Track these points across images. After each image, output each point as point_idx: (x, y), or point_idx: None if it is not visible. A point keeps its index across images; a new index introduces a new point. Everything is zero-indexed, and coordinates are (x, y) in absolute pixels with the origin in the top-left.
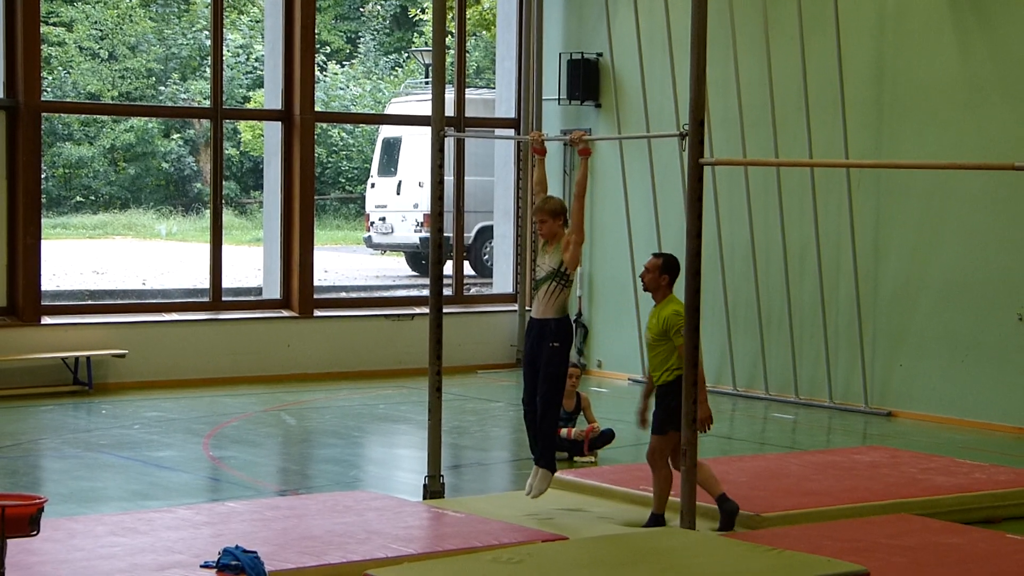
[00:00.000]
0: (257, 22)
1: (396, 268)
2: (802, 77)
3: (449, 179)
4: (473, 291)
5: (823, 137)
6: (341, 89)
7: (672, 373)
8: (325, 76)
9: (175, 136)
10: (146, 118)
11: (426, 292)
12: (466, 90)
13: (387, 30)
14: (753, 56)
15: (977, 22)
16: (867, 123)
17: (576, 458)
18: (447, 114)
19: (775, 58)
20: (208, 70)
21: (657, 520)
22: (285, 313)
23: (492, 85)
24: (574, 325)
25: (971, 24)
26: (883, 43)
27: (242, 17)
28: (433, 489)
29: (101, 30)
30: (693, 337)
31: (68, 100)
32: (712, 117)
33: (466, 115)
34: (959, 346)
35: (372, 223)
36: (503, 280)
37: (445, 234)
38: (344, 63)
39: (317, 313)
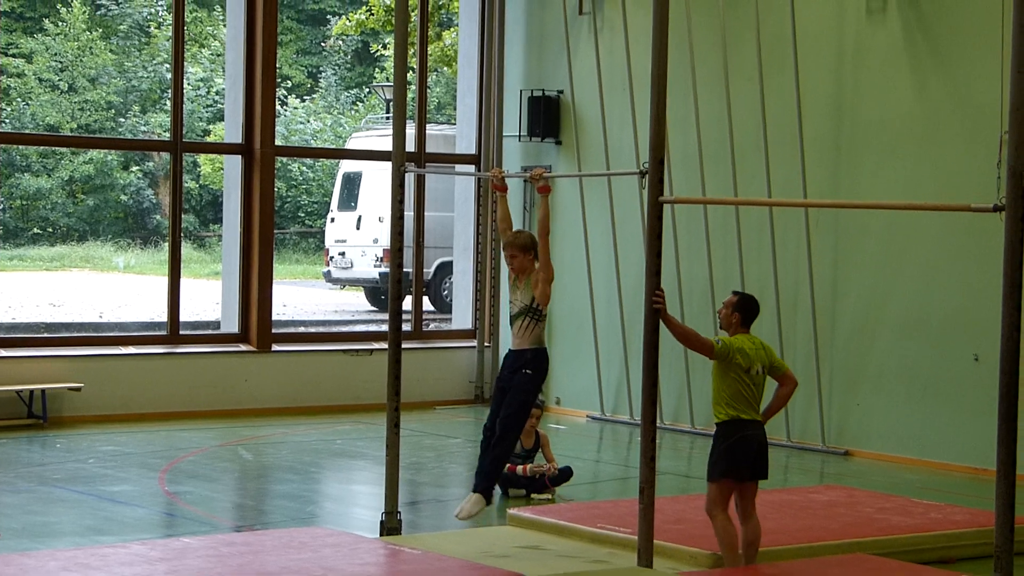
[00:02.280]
0: (218, 55)
1: (355, 303)
2: (761, 115)
3: (409, 214)
4: (432, 327)
5: (782, 175)
6: (302, 123)
7: (723, 414)
8: (286, 110)
9: (134, 168)
10: (105, 150)
11: (385, 327)
12: (427, 126)
13: (348, 65)
14: (713, 94)
15: (934, 62)
16: (825, 161)
17: (534, 495)
18: (408, 149)
19: (734, 96)
20: (168, 103)
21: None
22: (243, 347)
23: (453, 121)
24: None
25: (928, 64)
26: (841, 82)
27: (203, 50)
28: (390, 526)
29: (61, 62)
30: (652, 374)
31: (27, 132)
32: (672, 155)
33: (427, 151)
34: (916, 386)
35: (331, 258)
36: (462, 316)
37: (404, 269)
38: (305, 97)
39: (275, 347)
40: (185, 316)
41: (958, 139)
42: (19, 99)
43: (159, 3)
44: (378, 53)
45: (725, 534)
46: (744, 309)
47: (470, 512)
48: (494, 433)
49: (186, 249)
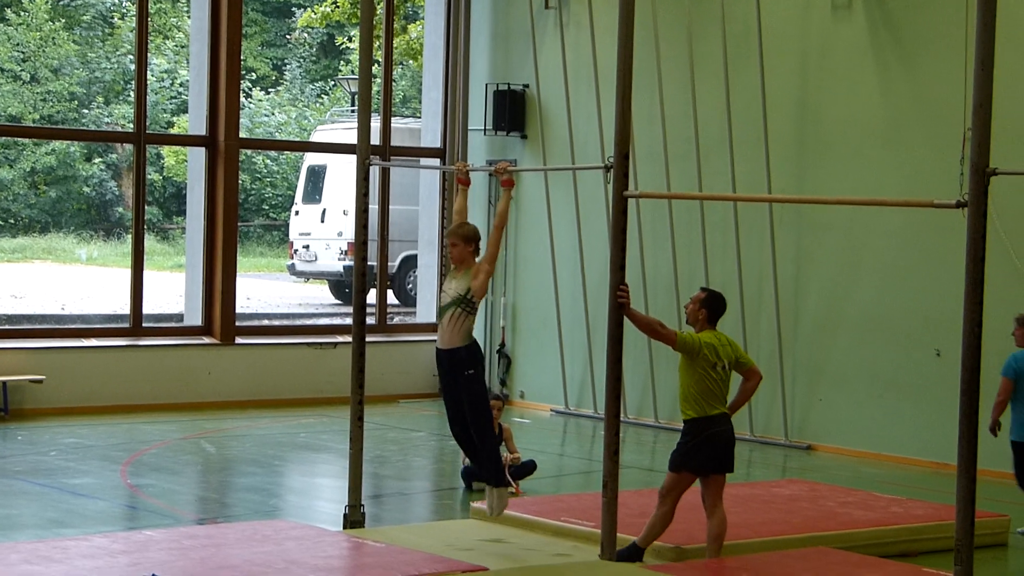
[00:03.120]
0: (182, 47)
1: (319, 296)
2: (726, 112)
3: (374, 208)
4: (396, 320)
5: (746, 171)
6: (266, 116)
7: (691, 410)
8: (250, 102)
9: (97, 160)
10: (68, 142)
11: (349, 320)
12: (392, 119)
13: (313, 58)
14: (678, 90)
15: (898, 61)
16: (789, 158)
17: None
18: (373, 143)
19: (700, 93)
20: (132, 94)
21: (633, 551)
22: (206, 340)
23: (418, 114)
24: (494, 353)
25: (892, 63)
26: (806, 80)
27: (167, 42)
28: (353, 519)
29: (23, 52)
30: (616, 368)
31: None
32: (637, 150)
33: (392, 144)
34: (878, 381)
35: (296, 251)
36: (427, 309)
37: (369, 263)
38: (270, 90)
39: (239, 340)
40: (148, 308)
41: (922, 136)
42: None
43: None
44: (343, 46)
45: (661, 521)
46: (711, 306)
47: (502, 507)
48: (466, 436)
49: (149, 241)
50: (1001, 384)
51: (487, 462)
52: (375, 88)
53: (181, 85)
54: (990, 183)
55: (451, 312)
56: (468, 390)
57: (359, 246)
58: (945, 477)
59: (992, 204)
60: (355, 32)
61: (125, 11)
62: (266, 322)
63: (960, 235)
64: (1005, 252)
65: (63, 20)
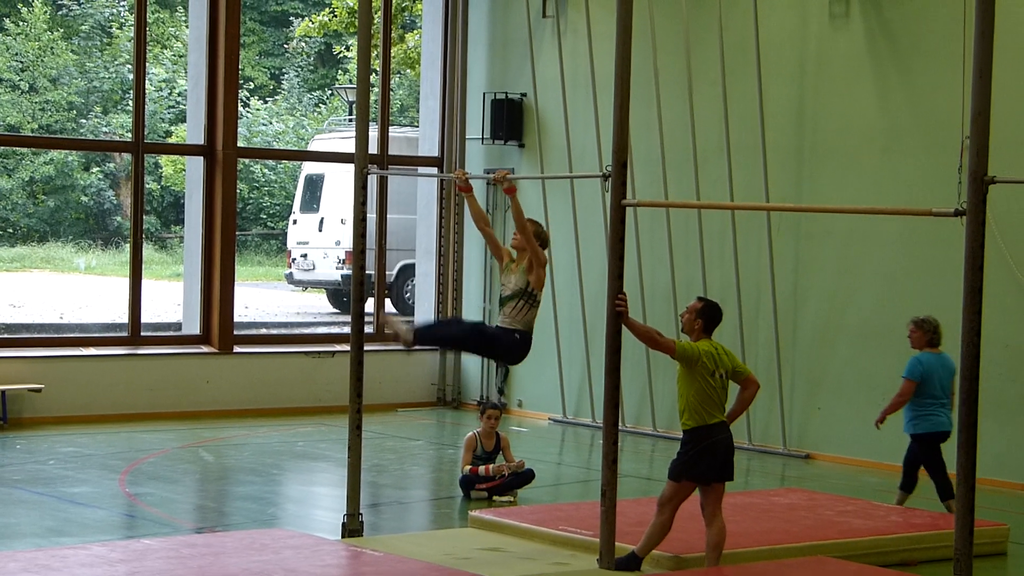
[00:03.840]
0: (180, 56)
1: (317, 305)
2: (724, 121)
3: (372, 216)
4: None
5: (744, 180)
6: (264, 125)
7: (690, 420)
8: (248, 112)
9: (95, 169)
10: (66, 151)
11: (347, 329)
12: (390, 128)
13: (311, 67)
14: (676, 99)
15: (896, 70)
16: (787, 167)
17: (495, 497)
18: (370, 152)
19: (697, 101)
20: (130, 104)
21: (631, 560)
22: (204, 349)
23: (416, 123)
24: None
25: (890, 72)
26: (804, 89)
27: (165, 51)
28: (352, 527)
29: (22, 62)
30: (614, 377)
31: None
32: (634, 158)
33: (389, 153)
34: (876, 389)
35: (294, 259)
36: (425, 318)
37: (367, 271)
38: (267, 99)
39: (237, 349)
40: (146, 317)
41: (920, 145)
42: None
43: (121, 3)
44: (341, 55)
45: (659, 530)
46: (707, 316)
47: (395, 326)
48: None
49: (147, 250)
50: (903, 386)
51: (444, 327)
52: (373, 97)
53: (179, 94)
54: (988, 192)
55: (513, 303)
56: (501, 333)
57: (357, 255)
58: None
59: (990, 213)
60: (353, 41)
61: (123, 21)
62: (264, 331)
63: (958, 243)
64: (1004, 260)
65: (61, 30)
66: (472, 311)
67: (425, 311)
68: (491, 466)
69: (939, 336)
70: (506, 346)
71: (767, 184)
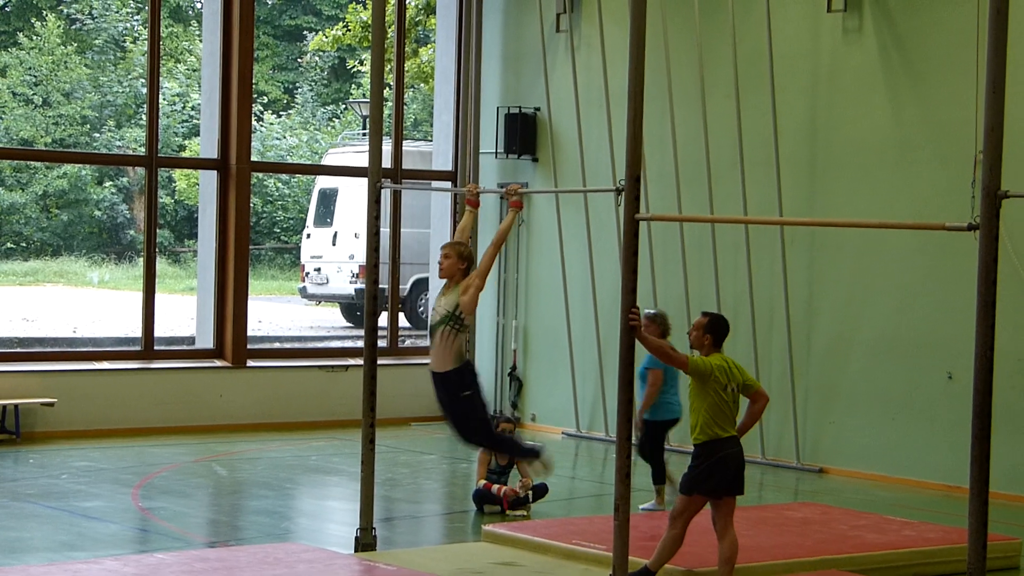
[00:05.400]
0: (194, 71)
1: (331, 319)
2: (737, 134)
3: (385, 231)
4: (408, 343)
5: (757, 193)
6: (277, 139)
7: (702, 434)
8: (262, 126)
9: (108, 183)
10: (80, 165)
11: (360, 343)
12: (403, 142)
13: (325, 81)
14: (689, 112)
15: (909, 83)
16: (801, 180)
17: (508, 512)
18: (384, 166)
19: (711, 115)
20: (143, 118)
21: (644, 574)
22: (218, 363)
23: (429, 138)
24: (506, 376)
25: (903, 85)
26: (817, 102)
27: (179, 65)
28: (365, 542)
29: (35, 76)
30: (628, 391)
31: (1, 146)
32: (648, 173)
33: (403, 167)
34: (890, 403)
35: (307, 273)
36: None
37: (380, 286)
38: (281, 113)
39: (250, 363)
40: (159, 332)
41: (933, 158)
42: None
43: (135, 18)
44: (354, 69)
45: (672, 544)
46: (715, 330)
47: (549, 464)
48: (481, 444)
49: (161, 264)
50: (651, 377)
51: (512, 451)
52: (386, 111)
53: (193, 108)
54: (1002, 206)
55: (441, 330)
56: (467, 415)
57: (371, 269)
58: (957, 500)
59: (1004, 227)
60: (366, 55)
61: (137, 35)
62: (278, 345)
63: (972, 257)
64: (1017, 274)
65: (75, 44)
66: (485, 325)
67: None
68: (504, 488)
69: (669, 327)
70: (476, 405)
71: (780, 197)
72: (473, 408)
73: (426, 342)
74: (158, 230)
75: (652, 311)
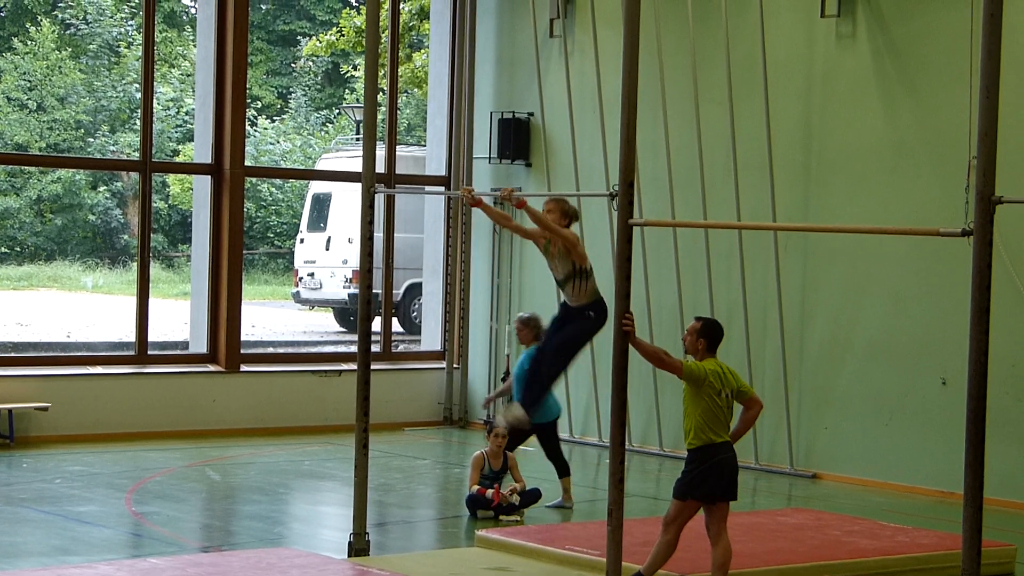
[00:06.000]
0: (188, 76)
1: (324, 324)
2: (731, 139)
3: (379, 235)
4: (401, 348)
5: (751, 199)
6: (271, 144)
7: (696, 439)
8: (256, 131)
9: (103, 188)
10: (74, 170)
11: (354, 348)
12: (397, 147)
13: (318, 86)
14: (683, 117)
15: (903, 89)
16: (794, 186)
17: (502, 517)
18: (378, 171)
19: (704, 120)
20: (138, 123)
21: None
22: (211, 368)
23: (423, 142)
24: (499, 381)
25: (897, 91)
26: (810, 108)
27: (173, 70)
28: (358, 547)
29: (30, 81)
30: (621, 396)
31: None
32: (641, 178)
33: (396, 172)
34: (883, 409)
35: (301, 278)
36: (431, 337)
37: (374, 290)
38: (275, 118)
39: (244, 368)
40: (153, 336)
41: (927, 164)
42: None
43: (129, 23)
44: (348, 74)
45: (665, 549)
46: (709, 335)
47: (508, 420)
48: (534, 371)
49: (155, 269)
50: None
51: (535, 388)
52: (380, 116)
53: (187, 113)
54: (996, 211)
55: (571, 284)
56: (581, 327)
57: (364, 274)
58: (951, 506)
59: (998, 232)
60: (360, 61)
61: (131, 40)
62: (271, 350)
63: (965, 263)
64: (1011, 280)
65: (69, 49)
66: (478, 329)
67: (432, 330)
68: (502, 492)
69: (542, 331)
70: (588, 331)
71: (774, 203)
72: (585, 327)
73: (418, 347)
74: (152, 235)
75: (525, 314)
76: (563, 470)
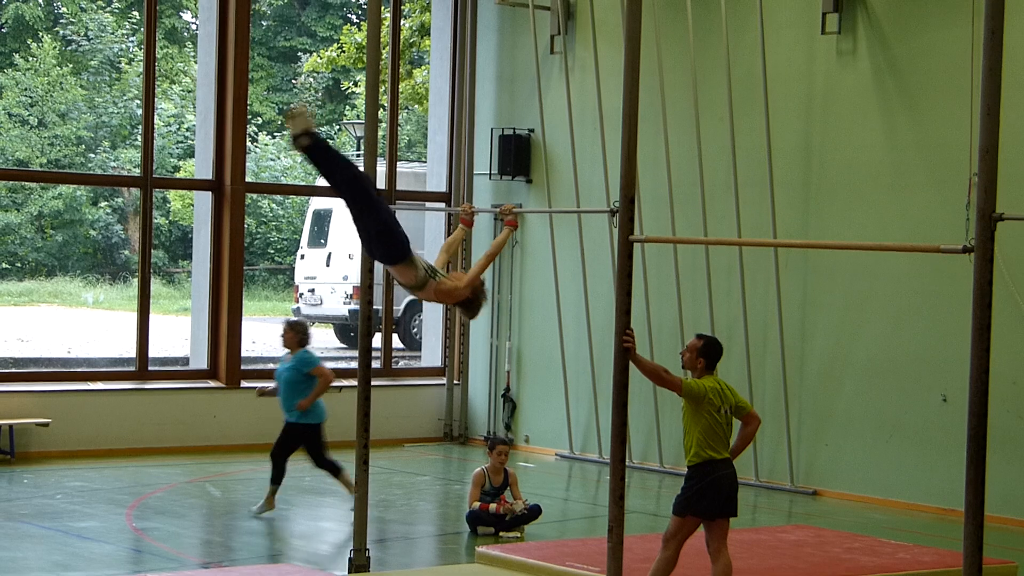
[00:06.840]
0: (189, 92)
1: (324, 340)
2: (731, 156)
3: None
4: (401, 364)
5: (751, 216)
6: (272, 160)
7: (695, 456)
8: (256, 147)
9: (103, 204)
10: (75, 185)
11: (354, 364)
12: (398, 163)
13: (319, 102)
14: (683, 134)
15: (903, 106)
16: (795, 203)
17: (502, 533)
18: (378, 187)
19: (705, 136)
20: (139, 139)
21: None
22: (212, 383)
23: (424, 159)
24: (499, 398)
25: (897, 108)
26: (811, 125)
27: (174, 87)
28: (358, 563)
29: (31, 97)
30: (621, 413)
31: None
32: (642, 194)
33: (397, 188)
34: (884, 426)
35: (301, 294)
36: (431, 354)
37: (374, 307)
38: (276, 134)
39: (244, 384)
40: (154, 352)
41: (927, 181)
42: None
43: (130, 39)
44: (349, 90)
45: (664, 566)
46: (708, 353)
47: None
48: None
49: (155, 285)
50: (324, 379)
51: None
52: (381, 132)
53: (188, 129)
54: (996, 228)
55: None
56: (388, 219)
57: (364, 290)
58: (952, 523)
59: (999, 249)
60: (361, 77)
61: (132, 56)
62: (271, 366)
63: (966, 280)
64: (1012, 298)
65: (71, 65)
66: (479, 346)
67: (432, 346)
68: (504, 506)
69: (309, 337)
70: (384, 231)
71: (774, 219)
72: (386, 224)
73: (418, 363)
74: (153, 251)
75: (292, 319)
76: (337, 469)
